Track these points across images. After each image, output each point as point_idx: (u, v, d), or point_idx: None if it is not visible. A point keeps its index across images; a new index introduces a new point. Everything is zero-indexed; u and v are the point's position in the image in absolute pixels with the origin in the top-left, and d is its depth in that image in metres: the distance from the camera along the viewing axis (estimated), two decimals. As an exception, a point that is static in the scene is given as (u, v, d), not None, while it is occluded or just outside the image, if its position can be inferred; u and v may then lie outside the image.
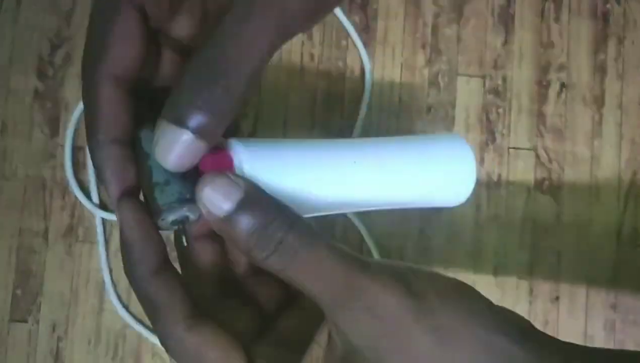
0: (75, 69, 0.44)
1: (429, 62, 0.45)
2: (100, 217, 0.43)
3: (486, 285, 0.44)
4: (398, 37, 0.45)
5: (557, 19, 0.46)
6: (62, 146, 0.43)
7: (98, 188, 0.43)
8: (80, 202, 0.43)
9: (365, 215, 0.43)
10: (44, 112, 0.44)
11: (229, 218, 0.21)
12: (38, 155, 0.43)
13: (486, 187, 0.44)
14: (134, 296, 0.43)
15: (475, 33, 0.46)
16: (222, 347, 0.24)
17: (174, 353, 0.24)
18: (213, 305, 0.26)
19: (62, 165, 0.43)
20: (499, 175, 0.45)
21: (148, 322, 0.43)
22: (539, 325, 0.44)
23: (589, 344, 0.44)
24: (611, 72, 0.46)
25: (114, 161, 0.22)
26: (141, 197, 0.23)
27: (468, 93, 0.45)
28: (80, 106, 0.43)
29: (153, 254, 0.24)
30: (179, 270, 0.26)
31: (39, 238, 0.43)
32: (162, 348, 0.43)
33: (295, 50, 0.44)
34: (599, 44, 0.46)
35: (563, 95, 0.45)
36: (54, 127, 0.44)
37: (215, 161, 0.23)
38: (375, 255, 0.42)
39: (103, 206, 0.43)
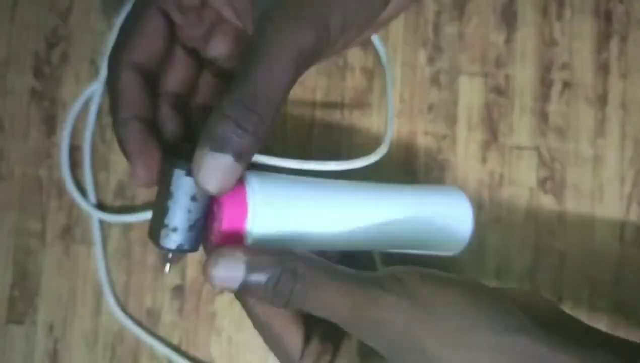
0: (72, 67, 0.44)
1: (431, 60, 0.45)
2: (97, 218, 0.42)
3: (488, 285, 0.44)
4: (399, 35, 0.45)
5: (560, 17, 0.46)
6: (59, 146, 0.43)
7: (95, 188, 0.43)
8: (77, 202, 0.43)
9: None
10: (41, 111, 0.44)
11: (243, 286, 0.24)
12: (35, 154, 0.43)
13: (488, 186, 0.44)
14: (131, 297, 0.42)
15: (477, 31, 0.45)
16: (285, 320, 0.28)
17: (253, 323, 0.29)
18: None
19: (59, 165, 0.43)
20: (501, 175, 0.44)
21: (145, 324, 0.43)
22: (541, 327, 0.44)
23: (592, 346, 0.44)
24: (614, 71, 0.46)
25: (135, 135, 0.26)
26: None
27: (470, 92, 0.45)
28: (77, 105, 0.43)
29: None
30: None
31: (35, 239, 0.43)
32: (160, 351, 0.43)
33: (294, 48, 0.44)
34: (602, 42, 0.46)
35: (566, 94, 0.45)
36: (51, 126, 0.43)
37: (232, 192, 0.26)
38: (377, 255, 0.42)
39: (100, 206, 0.43)
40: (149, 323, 0.42)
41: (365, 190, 0.30)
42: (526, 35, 0.45)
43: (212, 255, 0.24)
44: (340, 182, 0.30)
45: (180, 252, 0.26)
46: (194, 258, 0.42)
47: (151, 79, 0.27)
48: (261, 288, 0.24)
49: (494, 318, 0.22)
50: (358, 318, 0.24)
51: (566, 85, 0.45)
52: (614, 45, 0.46)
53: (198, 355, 0.42)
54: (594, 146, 0.45)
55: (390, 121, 0.41)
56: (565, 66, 0.45)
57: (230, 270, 0.24)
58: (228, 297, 0.43)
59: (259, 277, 0.24)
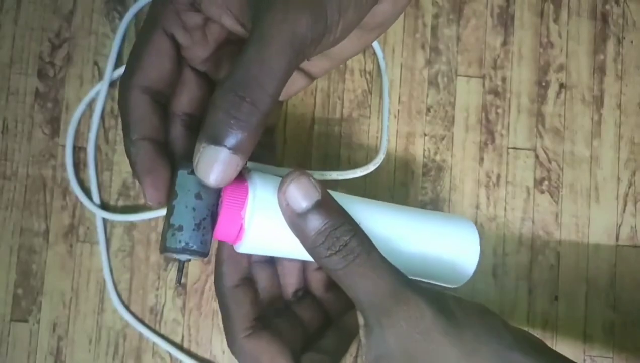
0: (75, 69, 0.44)
1: (429, 62, 0.45)
2: (101, 217, 0.43)
3: (485, 285, 0.44)
4: (398, 37, 0.45)
5: (557, 20, 0.46)
6: (63, 146, 0.43)
7: (99, 188, 0.43)
8: (80, 202, 0.43)
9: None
10: (45, 112, 0.44)
11: (304, 214, 0.24)
12: (38, 155, 0.43)
13: (485, 187, 0.45)
14: (134, 295, 0.43)
15: (474, 33, 0.46)
16: (273, 353, 0.29)
17: (236, 355, 0.30)
18: (267, 322, 0.30)
19: (63, 165, 0.43)
20: (498, 176, 0.45)
21: (148, 322, 0.43)
22: (538, 326, 0.44)
23: (588, 345, 0.44)
24: (610, 73, 0.46)
25: (144, 155, 0.26)
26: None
27: (467, 93, 0.45)
28: (81, 106, 0.44)
29: (235, 272, 0.30)
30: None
31: (39, 238, 0.43)
32: (162, 348, 0.43)
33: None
34: (599, 44, 0.46)
35: (562, 96, 0.46)
36: (55, 127, 0.44)
37: (233, 187, 0.26)
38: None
39: (104, 206, 0.43)
40: (152, 321, 0.43)
41: (373, 207, 0.30)
42: (523, 38, 0.46)
43: (293, 173, 0.25)
44: (347, 196, 0.30)
45: (189, 254, 0.26)
46: (196, 257, 0.43)
47: (162, 101, 0.27)
48: (319, 223, 0.24)
49: (503, 336, 0.24)
50: (393, 306, 0.24)
51: (563, 86, 0.46)
52: (610, 47, 0.46)
53: (200, 352, 0.43)
54: (590, 147, 0.45)
55: (385, 131, 0.41)
56: (561, 68, 0.46)
57: (305, 191, 0.24)
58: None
59: (325, 212, 0.24)
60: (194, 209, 0.25)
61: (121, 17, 0.44)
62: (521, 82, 0.45)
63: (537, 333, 0.44)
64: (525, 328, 0.43)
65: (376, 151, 0.44)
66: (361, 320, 0.26)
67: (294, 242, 0.26)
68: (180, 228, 0.25)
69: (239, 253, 0.28)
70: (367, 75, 0.45)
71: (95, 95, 0.44)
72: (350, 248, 0.24)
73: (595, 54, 0.46)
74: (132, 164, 0.26)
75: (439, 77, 0.45)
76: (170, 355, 0.42)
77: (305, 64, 0.30)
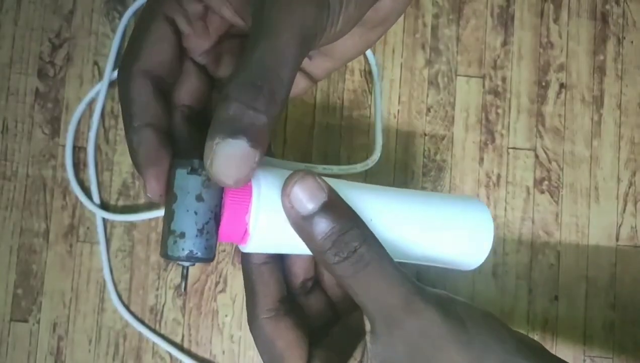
0: (76, 69, 0.44)
1: (429, 62, 0.45)
2: (101, 217, 0.43)
3: (485, 284, 0.44)
4: (398, 37, 0.45)
5: (557, 20, 0.46)
6: (63, 146, 0.43)
7: (99, 188, 0.43)
8: (81, 202, 0.43)
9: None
10: (45, 112, 0.44)
11: (310, 217, 0.23)
12: (39, 155, 0.43)
13: (485, 187, 0.45)
14: (134, 295, 0.43)
15: (474, 33, 0.46)
16: (289, 341, 0.28)
17: (254, 333, 0.29)
18: (289, 309, 0.29)
19: (63, 165, 0.43)
20: (499, 176, 0.45)
21: (148, 322, 0.43)
22: (538, 325, 0.44)
23: (588, 344, 0.44)
24: (610, 73, 0.46)
25: (147, 144, 0.24)
26: None
27: (467, 93, 0.45)
28: (81, 106, 0.43)
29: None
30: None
31: (39, 238, 0.43)
32: (163, 348, 0.43)
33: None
34: (598, 44, 0.46)
35: (562, 96, 0.45)
36: (55, 127, 0.44)
37: (237, 190, 0.25)
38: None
39: (104, 206, 0.43)
40: (152, 321, 0.43)
41: (383, 195, 0.28)
42: (523, 38, 0.46)
43: (298, 172, 0.23)
44: (353, 183, 0.28)
45: (193, 262, 0.24)
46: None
47: (164, 90, 0.26)
48: (327, 228, 0.23)
49: (508, 342, 0.24)
50: (404, 316, 0.23)
51: (563, 86, 0.46)
52: (610, 47, 0.46)
53: (200, 352, 0.43)
54: (590, 147, 0.45)
55: (378, 124, 0.41)
56: (561, 68, 0.46)
57: (311, 193, 0.23)
58: (230, 295, 0.43)
59: (332, 214, 0.23)
60: (195, 213, 0.24)
61: (121, 17, 0.44)
62: (521, 82, 0.45)
63: (537, 333, 0.44)
64: (526, 328, 0.43)
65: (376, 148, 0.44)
66: (368, 326, 0.25)
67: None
68: (182, 235, 0.24)
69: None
70: (367, 76, 0.45)
71: (95, 95, 0.44)
72: (360, 255, 0.23)
73: (595, 54, 0.46)
74: (134, 154, 0.25)
75: (439, 77, 0.45)
76: (170, 355, 0.42)
77: (307, 65, 0.30)
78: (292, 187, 0.23)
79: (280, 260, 0.30)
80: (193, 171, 0.24)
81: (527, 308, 0.44)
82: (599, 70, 0.46)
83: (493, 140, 0.45)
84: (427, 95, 0.45)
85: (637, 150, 0.45)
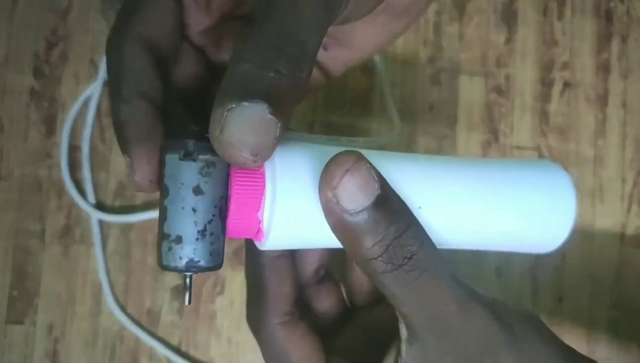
0: (71, 67, 0.44)
1: (431, 60, 0.45)
2: (96, 219, 0.42)
3: (489, 285, 0.43)
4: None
5: (561, 17, 0.46)
6: (59, 146, 0.43)
7: (94, 188, 0.43)
8: (76, 202, 0.42)
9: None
10: (40, 111, 0.43)
11: (358, 216, 0.18)
12: (34, 154, 0.43)
13: (489, 187, 0.44)
14: (131, 298, 0.42)
15: (477, 31, 0.45)
16: (307, 352, 0.24)
17: (262, 341, 0.25)
18: (305, 312, 0.26)
19: (59, 165, 0.43)
20: (502, 175, 0.44)
21: (145, 324, 0.42)
22: (542, 328, 0.44)
23: (592, 345, 0.44)
24: (615, 71, 0.46)
25: (139, 116, 0.20)
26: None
27: (470, 91, 0.45)
28: (77, 105, 0.43)
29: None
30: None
31: (35, 239, 0.43)
32: (160, 351, 0.43)
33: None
34: (603, 42, 0.46)
35: (566, 94, 0.45)
36: (51, 126, 0.43)
37: (244, 171, 0.20)
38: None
39: (100, 206, 0.43)
40: (149, 323, 0.42)
41: (429, 169, 0.23)
42: (526, 35, 0.45)
43: (345, 156, 0.18)
44: (385, 153, 0.23)
45: (196, 271, 0.20)
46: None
47: (161, 62, 0.22)
48: (382, 229, 0.18)
49: (555, 347, 0.22)
50: (458, 326, 0.20)
51: (567, 85, 0.45)
52: (615, 45, 0.46)
53: (198, 355, 0.42)
54: (595, 146, 0.45)
55: (389, 101, 0.39)
56: (565, 66, 0.45)
57: (367, 179, 0.18)
58: (228, 298, 0.43)
59: (387, 212, 0.18)
60: (194, 210, 0.19)
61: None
62: (525, 80, 0.45)
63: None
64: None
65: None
66: (404, 334, 0.21)
67: (327, 230, 0.20)
68: (179, 240, 0.19)
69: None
70: (369, 73, 0.44)
71: (91, 94, 0.43)
72: (417, 261, 0.19)
73: (600, 52, 0.46)
74: (121, 127, 0.20)
75: (441, 75, 0.45)
76: (167, 358, 0.42)
77: (323, 57, 0.26)
78: (341, 178, 0.18)
79: (293, 256, 0.26)
80: (187, 156, 0.19)
81: (532, 309, 0.43)
82: (603, 69, 0.46)
83: (496, 139, 0.45)
84: (429, 94, 0.45)
85: (643, 149, 0.45)
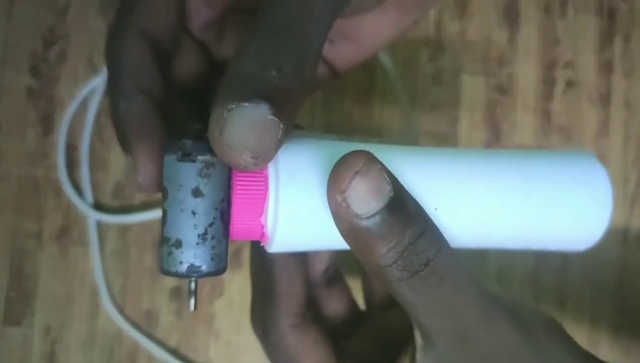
0: (69, 66, 0.43)
1: (432, 58, 0.45)
2: (94, 219, 0.42)
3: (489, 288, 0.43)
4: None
5: (563, 16, 0.46)
6: (56, 145, 0.43)
7: (92, 188, 0.43)
8: (74, 203, 0.42)
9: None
10: (38, 111, 0.43)
11: (371, 220, 0.17)
12: (32, 154, 0.43)
13: (490, 187, 0.44)
14: (129, 299, 0.42)
15: (479, 29, 0.45)
16: (318, 357, 0.23)
17: (269, 345, 0.23)
18: (317, 315, 0.25)
19: (56, 165, 0.43)
20: (504, 176, 0.44)
21: (144, 326, 0.42)
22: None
23: (594, 349, 0.43)
24: (617, 70, 0.45)
25: (139, 112, 0.19)
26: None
27: (472, 90, 0.45)
28: (75, 104, 0.43)
29: None
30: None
31: (32, 240, 0.42)
32: (158, 353, 0.42)
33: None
34: (605, 41, 0.45)
35: (568, 93, 0.45)
36: (48, 125, 0.43)
37: (248, 179, 0.19)
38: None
39: (98, 206, 0.43)
40: (147, 325, 0.42)
41: (453, 161, 0.21)
42: (529, 34, 0.45)
43: (355, 157, 0.17)
44: (396, 148, 0.22)
45: (198, 276, 0.19)
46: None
47: (162, 58, 0.22)
48: (396, 234, 0.17)
49: (574, 353, 0.22)
50: (482, 334, 0.19)
51: (569, 84, 0.45)
52: (618, 44, 0.46)
53: (196, 357, 0.42)
54: (597, 146, 0.45)
55: (403, 95, 0.39)
56: (568, 65, 0.45)
57: (379, 181, 0.17)
58: (227, 299, 0.42)
59: (401, 215, 0.17)
60: (193, 213, 0.18)
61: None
62: (527, 79, 0.45)
63: (543, 337, 0.43)
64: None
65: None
66: (420, 342, 0.20)
67: (335, 233, 0.18)
68: (179, 244, 0.18)
69: None
70: (370, 73, 0.44)
71: (89, 93, 0.43)
72: (434, 268, 0.18)
73: (602, 51, 0.45)
74: (121, 123, 0.20)
75: (442, 74, 0.45)
76: (165, 360, 0.42)
77: (329, 52, 0.25)
78: (350, 180, 0.17)
79: (304, 252, 0.25)
80: (185, 157, 0.18)
81: (533, 312, 0.43)
82: (606, 68, 0.45)
83: (498, 139, 0.44)
84: (431, 93, 0.44)
85: (646, 149, 0.45)
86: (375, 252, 0.17)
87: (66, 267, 0.42)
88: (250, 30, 0.18)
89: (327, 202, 0.17)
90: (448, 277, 0.18)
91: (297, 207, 0.19)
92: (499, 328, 0.20)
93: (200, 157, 0.18)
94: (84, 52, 0.44)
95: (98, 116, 0.43)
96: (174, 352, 0.42)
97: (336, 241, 0.19)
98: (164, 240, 0.19)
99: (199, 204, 0.18)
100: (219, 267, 0.19)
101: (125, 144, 0.20)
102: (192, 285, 0.20)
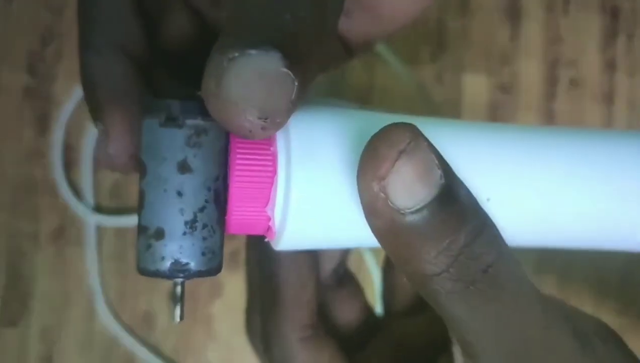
0: (66, 65, 0.43)
1: (433, 57, 0.44)
2: (92, 220, 0.42)
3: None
4: (401, 31, 0.45)
5: (566, 13, 0.45)
6: (53, 145, 0.42)
7: (90, 188, 0.42)
8: (71, 204, 0.42)
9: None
10: (35, 110, 0.43)
11: (416, 215, 0.13)
12: (28, 154, 0.42)
13: (492, 187, 0.44)
14: (127, 301, 0.42)
15: (481, 27, 0.45)
16: None
17: (271, 358, 0.20)
18: (329, 326, 0.22)
19: (53, 165, 0.42)
20: (506, 175, 0.44)
21: (140, 328, 0.42)
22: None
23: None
24: (621, 69, 0.45)
25: (115, 68, 0.16)
26: None
27: (474, 89, 0.44)
28: (72, 103, 0.42)
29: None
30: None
31: (29, 240, 0.42)
32: (156, 356, 0.42)
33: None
34: (609, 39, 0.45)
35: (572, 92, 0.45)
36: (45, 125, 0.43)
37: (249, 143, 0.15)
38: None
39: (95, 207, 0.43)
40: (145, 327, 0.42)
41: (507, 139, 0.17)
42: (531, 32, 0.45)
43: (398, 130, 0.13)
44: (441, 122, 0.18)
45: (185, 276, 0.15)
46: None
47: (145, 16, 0.18)
48: (448, 234, 0.13)
49: (634, 357, 0.19)
50: (535, 346, 0.16)
51: (572, 82, 0.45)
52: (621, 42, 0.45)
53: (194, 360, 0.42)
54: (601, 145, 0.45)
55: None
56: (571, 63, 0.45)
57: (429, 165, 0.13)
58: (225, 301, 0.42)
59: (452, 210, 0.13)
60: (179, 194, 0.14)
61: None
62: (529, 78, 0.45)
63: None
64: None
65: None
66: (460, 359, 0.17)
67: (361, 228, 0.15)
68: (160, 234, 0.15)
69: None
70: (370, 70, 0.44)
71: (86, 92, 0.43)
72: (494, 276, 0.14)
73: (605, 49, 0.45)
74: (91, 85, 0.16)
75: (444, 72, 0.44)
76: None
77: (344, 24, 0.21)
78: (392, 163, 0.13)
79: (314, 252, 0.21)
80: (170, 121, 0.14)
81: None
82: (610, 67, 0.45)
83: (500, 139, 0.44)
84: (433, 91, 0.44)
85: (650, 149, 0.45)
86: (422, 257, 0.14)
87: (63, 268, 0.42)
88: None
89: (354, 189, 0.14)
90: (510, 288, 0.15)
91: (314, 195, 0.15)
92: (562, 346, 0.16)
93: (189, 121, 0.14)
94: (82, 51, 0.44)
95: (95, 115, 0.43)
96: (171, 355, 0.42)
97: (362, 239, 0.15)
98: (141, 230, 0.15)
99: (187, 182, 0.14)
100: (212, 264, 0.15)
101: (96, 110, 0.16)
102: (178, 289, 0.16)
